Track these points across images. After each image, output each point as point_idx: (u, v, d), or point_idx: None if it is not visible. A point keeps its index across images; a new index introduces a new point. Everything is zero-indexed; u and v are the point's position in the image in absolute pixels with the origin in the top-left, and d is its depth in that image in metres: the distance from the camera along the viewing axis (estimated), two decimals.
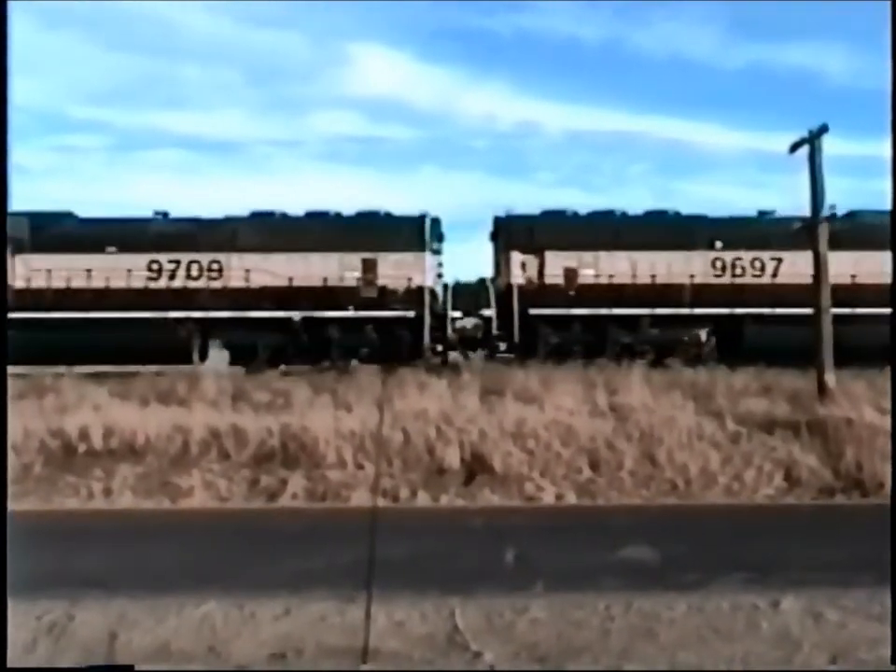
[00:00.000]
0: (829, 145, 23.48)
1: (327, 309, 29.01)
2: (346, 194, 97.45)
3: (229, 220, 30.17)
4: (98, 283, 28.71)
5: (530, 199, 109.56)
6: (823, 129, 21.05)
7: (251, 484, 15.96)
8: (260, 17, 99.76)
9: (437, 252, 30.99)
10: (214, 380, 21.47)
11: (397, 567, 10.46)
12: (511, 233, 30.60)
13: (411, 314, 29.33)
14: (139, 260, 29.15)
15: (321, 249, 29.26)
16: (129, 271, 28.92)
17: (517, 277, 29.79)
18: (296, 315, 29.05)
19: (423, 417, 17.63)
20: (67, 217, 30.15)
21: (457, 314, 30.27)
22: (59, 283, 28.67)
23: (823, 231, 21.02)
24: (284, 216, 30.58)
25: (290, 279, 29.04)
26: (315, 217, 30.40)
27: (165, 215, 30.39)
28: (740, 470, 16.44)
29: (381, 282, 29.59)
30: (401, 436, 16.95)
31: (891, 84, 7.18)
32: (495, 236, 31.81)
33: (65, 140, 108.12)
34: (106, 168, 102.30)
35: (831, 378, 20.20)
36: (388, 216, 30.77)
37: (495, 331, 29.57)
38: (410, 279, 29.57)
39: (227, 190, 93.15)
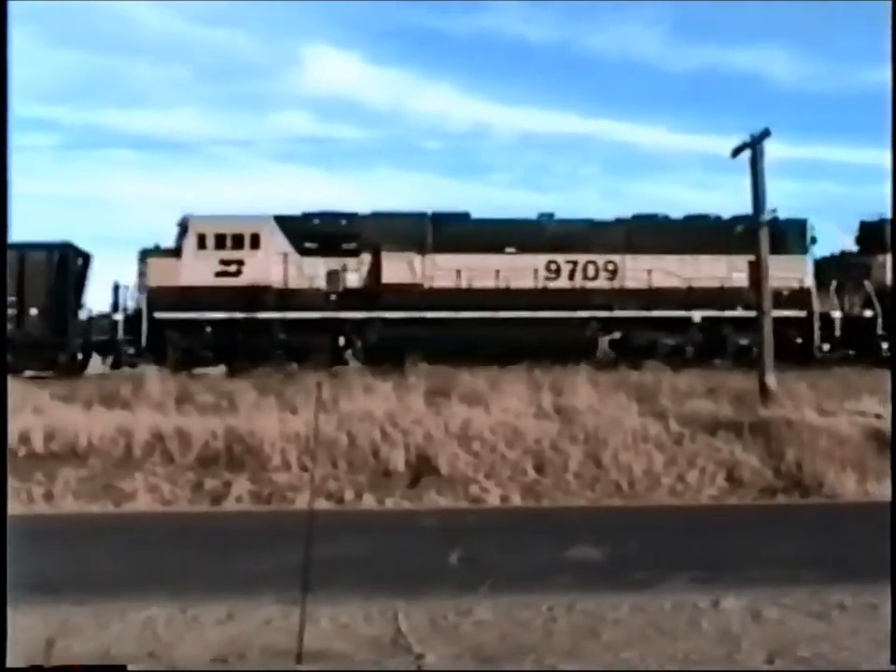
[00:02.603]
0: (774, 148, 23.80)
1: (720, 309, 29.43)
2: (301, 194, 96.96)
3: (620, 222, 30.38)
4: (501, 282, 29.02)
5: (483, 200, 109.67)
6: (765, 133, 21.31)
7: (195, 487, 15.85)
8: (210, 15, 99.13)
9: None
10: (158, 381, 21.25)
11: (342, 569, 10.44)
12: None
13: (802, 313, 29.73)
14: (538, 261, 29.50)
15: (707, 252, 29.75)
16: (535, 270, 29.30)
17: None
18: (696, 315, 29.48)
19: (369, 419, 17.60)
20: (464, 217, 30.40)
21: (837, 313, 30.17)
22: (463, 282, 29.04)
23: (764, 235, 21.28)
24: (667, 218, 30.97)
25: (689, 280, 29.52)
26: (697, 221, 30.77)
27: (551, 216, 30.54)
28: (684, 471, 16.61)
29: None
30: (347, 438, 16.91)
31: (891, 84, 7.17)
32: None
33: (14, 140, 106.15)
34: (56, 167, 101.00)
35: (772, 379, 20.43)
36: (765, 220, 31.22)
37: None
38: (798, 280, 29.97)
39: (181, 189, 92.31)
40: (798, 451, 16.77)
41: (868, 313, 29.87)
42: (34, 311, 27.56)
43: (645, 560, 11.39)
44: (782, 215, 25.98)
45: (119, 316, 28.12)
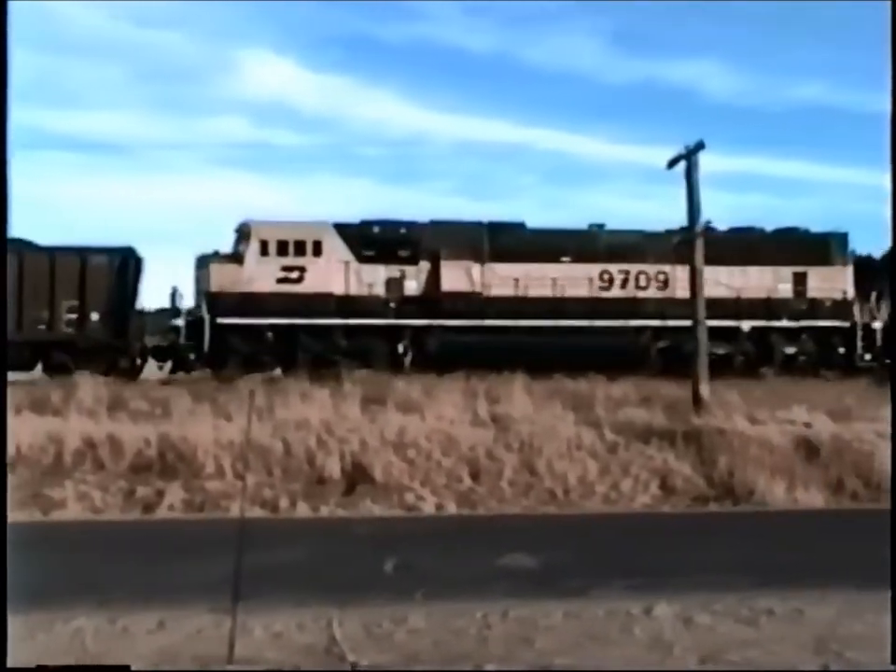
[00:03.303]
0: (709, 160, 24.11)
1: (767, 319, 30.47)
2: (240, 199, 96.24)
3: (670, 233, 29.74)
4: (556, 291, 29.40)
5: (421, 207, 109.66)
6: (700, 145, 21.56)
7: (127, 495, 15.65)
8: (144, 17, 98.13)
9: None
10: (90, 388, 20.96)
11: (276, 578, 10.38)
12: None
13: (846, 324, 30.66)
14: (592, 270, 29.94)
15: (754, 263, 30.63)
16: (590, 280, 29.83)
17: None
18: (745, 325, 30.31)
19: (305, 426, 17.51)
20: (519, 226, 30.73)
21: (878, 324, 31.07)
22: (521, 290, 29.33)
23: (699, 245, 21.53)
24: (713, 230, 30.11)
25: (737, 290, 30.26)
26: (743, 232, 31.66)
27: (601, 226, 31.16)
28: (618, 479, 16.74)
29: (810, 294, 31.07)
30: (282, 445, 16.81)
31: (891, 84, 7.20)
32: None
33: None
34: None
35: (705, 388, 20.66)
36: (808, 232, 32.21)
37: None
38: (841, 291, 31.02)
39: (117, 192, 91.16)
40: (730, 459, 16.98)
41: None
42: (95, 315, 27.63)
43: (579, 568, 11.46)
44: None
45: (180, 321, 28.27)
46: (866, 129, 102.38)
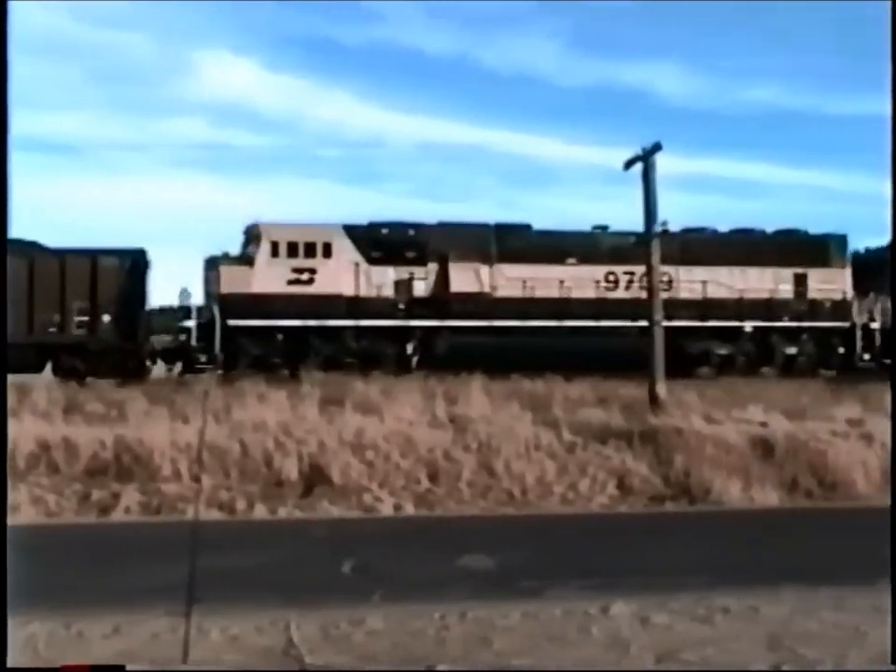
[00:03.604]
0: (665, 162, 24.32)
1: (768, 320, 31.13)
2: (200, 200, 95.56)
3: (674, 235, 30.37)
4: (563, 292, 29.84)
5: (380, 209, 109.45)
6: (656, 147, 21.72)
7: (82, 499, 15.50)
8: (100, 16, 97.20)
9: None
10: (45, 390, 20.76)
11: (234, 580, 10.33)
12: None
13: (846, 324, 31.39)
14: (598, 272, 30.50)
15: (755, 264, 31.28)
16: (596, 281, 30.48)
17: None
18: (747, 325, 30.93)
19: (262, 428, 17.44)
20: (526, 228, 31.08)
21: (876, 324, 31.80)
22: (528, 292, 29.65)
23: (656, 246, 21.69)
24: (715, 232, 32.56)
25: (739, 291, 30.88)
26: (743, 234, 32.42)
27: (605, 228, 31.62)
28: (575, 480, 16.80)
29: (810, 295, 31.86)
30: (239, 447, 16.72)
31: (891, 84, 7.21)
32: None
33: None
34: None
35: (662, 389, 20.80)
36: (807, 233, 32.92)
37: None
38: (841, 292, 31.82)
39: (74, 193, 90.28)
40: (686, 459, 17.10)
41: None
42: (106, 317, 27.61)
43: (537, 568, 11.49)
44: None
45: (191, 323, 28.28)
46: (820, 131, 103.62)
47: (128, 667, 7.07)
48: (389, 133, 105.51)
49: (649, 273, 21.99)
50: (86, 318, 27.36)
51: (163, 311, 29.62)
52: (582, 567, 11.40)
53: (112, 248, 28.27)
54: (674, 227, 30.57)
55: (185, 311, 28.87)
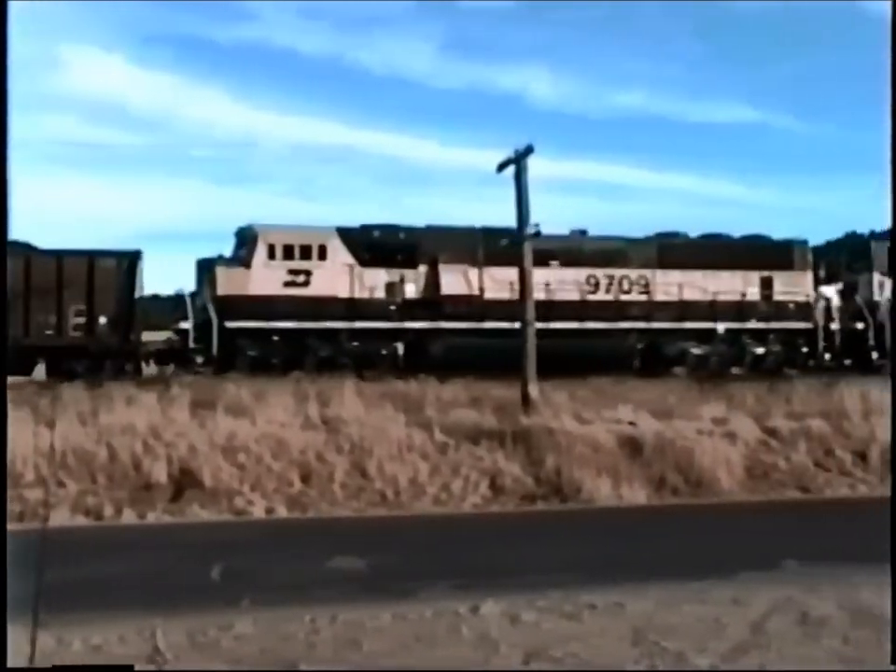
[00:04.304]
0: (539, 164, 24.64)
1: (737, 321, 32.30)
2: (73, 199, 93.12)
3: (650, 240, 32.82)
4: (549, 295, 29.65)
5: (252, 210, 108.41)
6: (529, 149, 21.95)
7: None
8: None
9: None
10: None
11: (98, 588, 10.12)
12: None
13: (809, 325, 32.73)
14: (580, 274, 31.13)
15: (726, 268, 32.33)
16: (578, 284, 31.09)
17: None
18: (720, 326, 31.92)
19: (131, 431, 17.09)
20: (511, 231, 29.58)
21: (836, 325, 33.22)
22: (516, 293, 28.80)
23: (528, 248, 21.93)
24: (687, 236, 33.72)
25: (714, 294, 31.92)
26: (714, 239, 33.72)
27: (584, 232, 32.49)
28: (448, 480, 16.88)
29: (776, 297, 33.05)
30: (107, 451, 16.37)
31: (891, 84, 7.24)
32: None
33: None
34: None
35: (534, 389, 21.02)
36: (771, 239, 34.43)
37: None
38: (804, 294, 33.18)
39: None
40: (557, 458, 17.31)
41: (860, 325, 33.11)
42: (103, 319, 27.20)
43: (408, 569, 11.52)
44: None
45: (187, 325, 28.01)
46: (685, 137, 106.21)
47: (136, 667, 6.97)
48: (262, 133, 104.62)
49: (521, 274, 22.23)
50: (83, 320, 27.07)
51: (156, 299, 29.90)
52: (453, 568, 11.46)
53: (110, 249, 28.18)
54: (556, 229, 31.39)
55: (179, 300, 28.95)
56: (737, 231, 34.36)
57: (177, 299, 29.22)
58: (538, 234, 31.20)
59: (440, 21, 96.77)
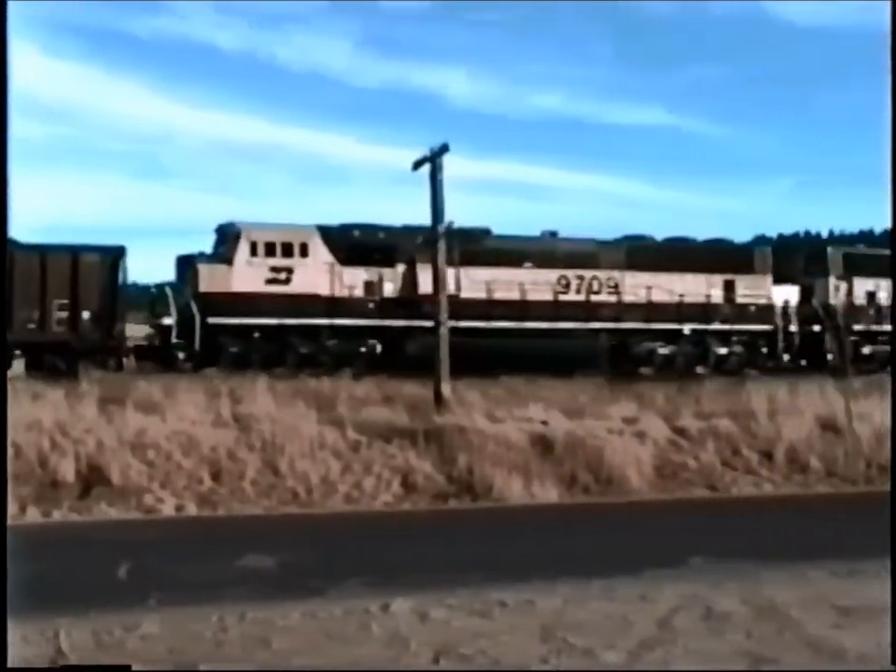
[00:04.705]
0: (457, 164, 24.93)
1: (702, 322, 33.15)
2: None
3: (619, 242, 34.03)
4: (521, 295, 30.94)
5: (168, 205, 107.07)
6: (444, 148, 21.98)
7: None
8: None
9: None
10: None
11: None
12: None
13: (769, 327, 33.77)
14: (552, 275, 31.67)
15: (690, 271, 33.13)
16: (550, 284, 31.70)
17: None
18: (685, 327, 32.74)
19: (36, 427, 16.75)
20: (486, 232, 32.21)
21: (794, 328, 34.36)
22: (491, 294, 30.76)
23: (442, 247, 21.98)
24: (653, 239, 35.16)
25: (678, 295, 32.64)
26: (679, 242, 34.89)
27: (555, 234, 33.40)
28: (360, 478, 16.87)
29: (738, 300, 34.05)
30: (11, 448, 16.00)
31: (891, 85, 7.25)
32: None
33: None
34: None
35: (447, 388, 21.07)
36: (733, 243, 37.13)
37: None
38: (766, 297, 34.27)
39: None
40: (469, 457, 17.39)
41: (816, 328, 34.21)
42: (86, 314, 26.90)
43: (319, 567, 11.48)
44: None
45: (169, 321, 28.09)
46: (601, 138, 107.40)
47: (133, 668, 6.93)
48: (179, 128, 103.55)
49: (434, 273, 22.28)
50: (66, 315, 26.81)
51: (137, 287, 30.29)
52: (364, 566, 11.45)
53: (93, 245, 27.95)
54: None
55: (159, 292, 29.27)
56: (652, 232, 35.38)
57: (158, 293, 29.49)
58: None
59: (357, 18, 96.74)
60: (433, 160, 22.03)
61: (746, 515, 16.31)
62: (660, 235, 35.66)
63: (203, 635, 8.51)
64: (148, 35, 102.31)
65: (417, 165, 22.51)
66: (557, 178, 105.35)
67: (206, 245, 30.84)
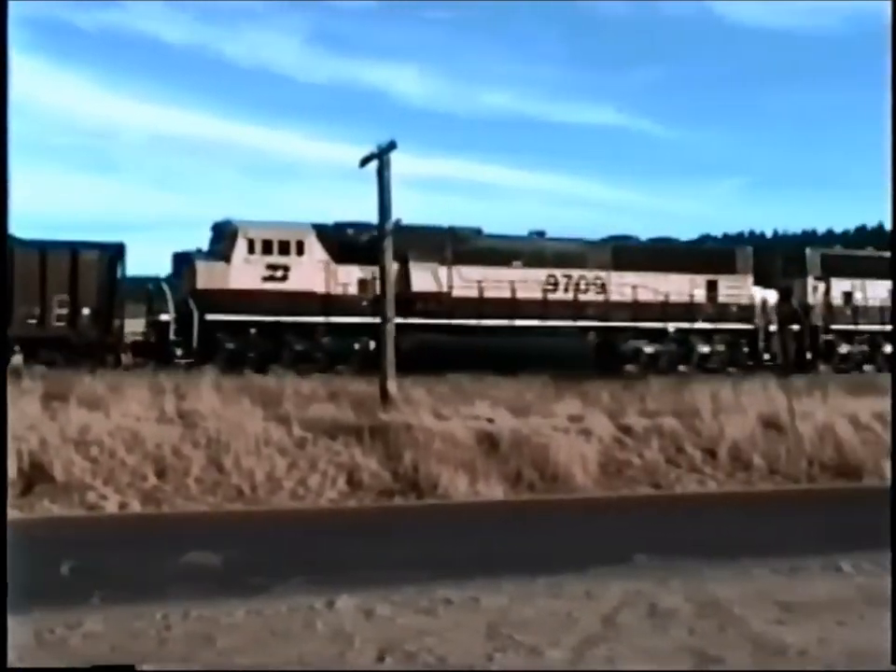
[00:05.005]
0: (404, 161, 25.05)
1: (686, 321, 33.97)
2: None
3: (605, 242, 34.75)
4: (511, 293, 31.47)
5: (113, 200, 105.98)
6: (392, 145, 21.97)
7: None
8: None
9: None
10: None
11: None
12: None
13: (751, 326, 34.66)
14: (541, 274, 32.28)
15: (675, 271, 33.86)
16: (540, 283, 32.28)
17: None
18: (670, 326, 33.55)
19: None
20: (477, 231, 33.00)
21: (774, 327, 35.25)
22: (482, 292, 31.25)
23: (388, 245, 21.97)
24: (638, 240, 36.20)
25: (663, 295, 33.40)
26: (664, 243, 36.24)
27: (542, 234, 34.22)
28: (306, 475, 16.84)
29: (720, 300, 34.98)
30: None
31: (891, 85, 7.24)
32: None
33: None
34: None
35: (393, 385, 21.08)
36: (715, 244, 39.89)
37: None
38: (748, 297, 35.11)
39: None
40: (415, 454, 17.42)
41: (795, 327, 35.32)
42: (86, 310, 27.07)
43: (264, 564, 11.44)
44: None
45: (167, 317, 28.19)
46: (551, 137, 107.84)
47: (137, 667, 6.88)
48: (125, 123, 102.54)
49: (382, 272, 22.28)
50: (66, 311, 26.92)
51: (134, 280, 29.73)
52: (310, 563, 11.42)
53: (93, 241, 28.20)
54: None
55: (156, 288, 29.30)
56: (597, 231, 36.08)
57: (155, 290, 29.50)
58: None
59: (305, 14, 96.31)
60: (381, 156, 22.00)
61: (690, 513, 16.48)
62: (606, 234, 36.19)
63: (146, 633, 8.46)
64: (94, 28, 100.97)
65: (364, 162, 22.47)
66: (507, 176, 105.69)
67: (157, 240, 31.31)
